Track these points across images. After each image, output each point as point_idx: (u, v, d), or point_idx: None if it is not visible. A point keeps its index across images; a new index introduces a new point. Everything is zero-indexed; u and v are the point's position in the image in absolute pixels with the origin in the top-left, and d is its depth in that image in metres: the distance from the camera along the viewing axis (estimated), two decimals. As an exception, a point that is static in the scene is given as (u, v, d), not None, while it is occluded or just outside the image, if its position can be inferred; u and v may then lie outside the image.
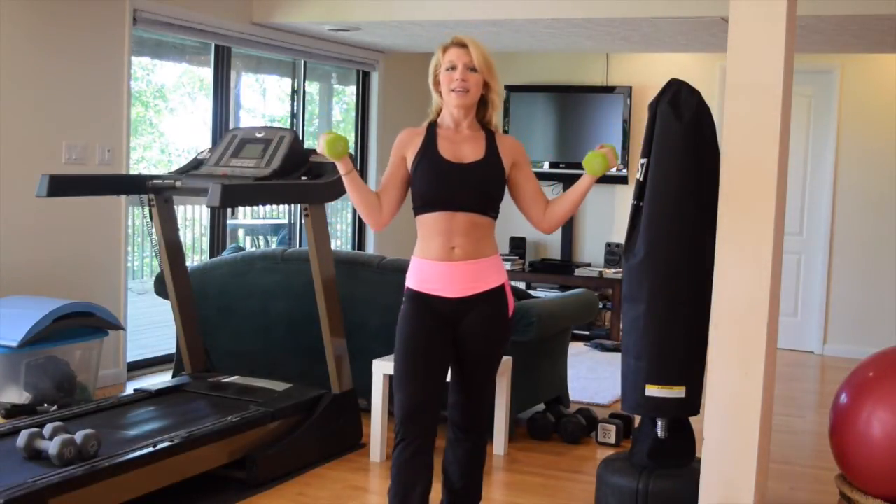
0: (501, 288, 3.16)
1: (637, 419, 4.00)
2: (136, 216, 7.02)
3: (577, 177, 3.20)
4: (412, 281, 3.14)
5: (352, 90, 8.41)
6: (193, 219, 9.24)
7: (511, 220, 8.79)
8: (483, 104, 3.15)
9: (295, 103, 7.71)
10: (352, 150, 7.97)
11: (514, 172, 3.17)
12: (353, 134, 8.38)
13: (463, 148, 3.11)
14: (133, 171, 6.26)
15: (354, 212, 8.41)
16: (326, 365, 4.57)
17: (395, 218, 3.21)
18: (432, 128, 3.16)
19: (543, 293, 7.34)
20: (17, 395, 4.69)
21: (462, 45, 3.09)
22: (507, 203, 3.18)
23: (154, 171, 8.68)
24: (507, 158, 3.14)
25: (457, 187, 3.06)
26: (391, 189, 3.15)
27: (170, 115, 9.33)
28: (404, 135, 3.17)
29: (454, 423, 3.23)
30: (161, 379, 5.56)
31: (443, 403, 3.19)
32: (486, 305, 3.12)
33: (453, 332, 3.12)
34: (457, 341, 3.13)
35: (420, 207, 3.10)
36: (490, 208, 3.12)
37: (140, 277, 9.13)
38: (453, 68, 3.07)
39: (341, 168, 3.07)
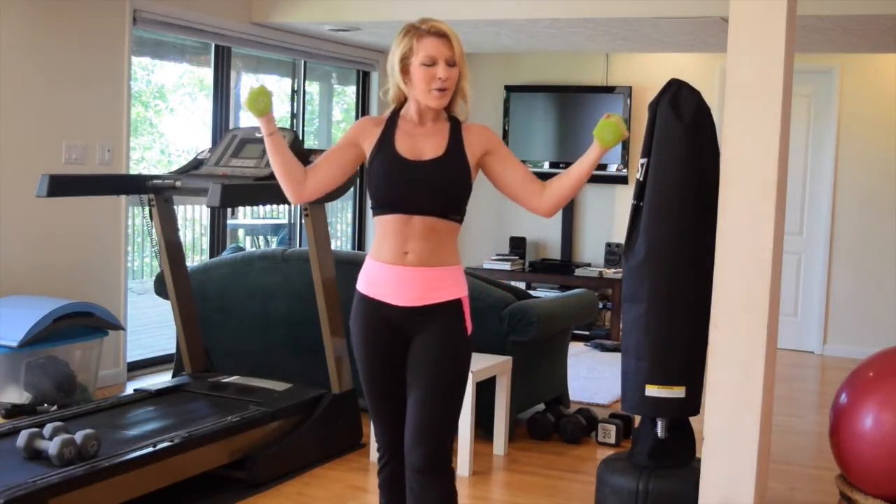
0: (458, 303, 2.78)
1: (637, 419, 4.00)
2: (136, 216, 7.04)
3: None
4: (362, 283, 2.83)
5: (352, 90, 8.41)
6: (193, 219, 9.25)
7: (511, 219, 8.88)
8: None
9: (295, 103, 7.71)
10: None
11: (489, 161, 2.81)
12: (353, 134, 8.37)
13: (423, 143, 2.77)
14: (133, 171, 6.26)
15: (355, 212, 8.41)
16: (326, 365, 4.57)
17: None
18: (393, 119, 2.83)
19: (543, 293, 7.34)
20: (17, 395, 4.69)
21: (442, 35, 2.71)
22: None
23: (154, 171, 8.68)
24: (475, 151, 2.78)
25: (411, 188, 2.71)
26: (326, 165, 2.80)
27: (170, 115, 9.34)
28: (364, 122, 2.88)
29: (409, 465, 2.75)
30: (161, 379, 5.56)
31: None
32: (439, 321, 2.75)
33: (408, 348, 2.79)
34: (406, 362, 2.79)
35: (375, 208, 2.78)
36: (451, 211, 2.76)
37: (140, 277, 9.13)
38: (433, 64, 2.69)
39: (263, 128, 2.71)
